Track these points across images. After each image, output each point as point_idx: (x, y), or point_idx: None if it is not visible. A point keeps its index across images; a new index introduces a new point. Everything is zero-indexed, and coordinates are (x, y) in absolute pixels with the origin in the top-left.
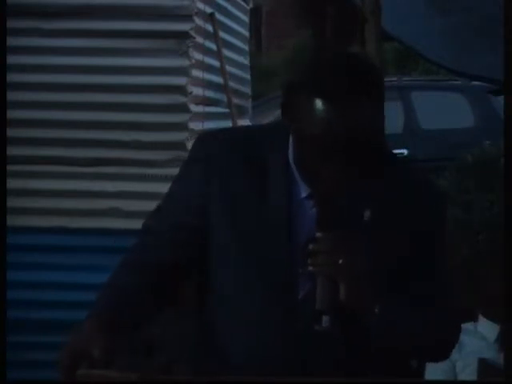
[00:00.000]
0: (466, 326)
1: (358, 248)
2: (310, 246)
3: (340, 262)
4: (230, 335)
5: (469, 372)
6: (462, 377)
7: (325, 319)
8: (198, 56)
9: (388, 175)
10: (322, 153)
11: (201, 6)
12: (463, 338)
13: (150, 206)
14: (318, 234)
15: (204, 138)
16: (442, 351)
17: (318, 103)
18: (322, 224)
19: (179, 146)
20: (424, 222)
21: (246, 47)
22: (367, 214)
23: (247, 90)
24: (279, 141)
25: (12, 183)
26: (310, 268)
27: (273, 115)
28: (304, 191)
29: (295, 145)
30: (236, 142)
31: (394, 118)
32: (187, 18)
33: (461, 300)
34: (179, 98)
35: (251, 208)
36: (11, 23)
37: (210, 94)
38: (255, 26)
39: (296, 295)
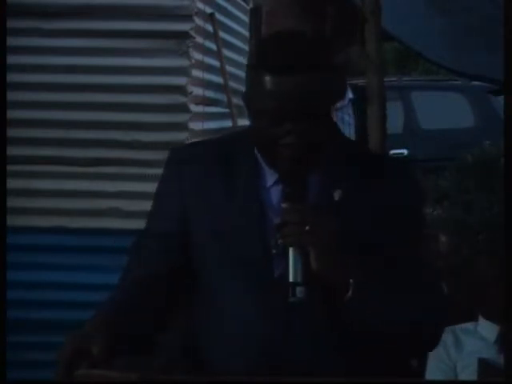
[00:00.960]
0: (466, 326)
1: (324, 216)
2: (278, 220)
3: (307, 228)
4: (211, 324)
5: (468, 373)
6: (462, 377)
7: (299, 290)
8: (197, 56)
9: (354, 156)
10: (276, 127)
11: (201, 5)
12: (463, 337)
13: (150, 206)
14: (284, 205)
15: (174, 153)
16: (419, 330)
17: (265, 78)
18: (287, 196)
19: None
20: (396, 198)
21: (245, 47)
22: (338, 193)
23: None
24: (246, 140)
25: (12, 183)
26: (279, 241)
27: None
28: (272, 178)
29: (254, 128)
30: (206, 151)
31: (394, 118)
32: (187, 18)
33: (440, 281)
34: (179, 98)
35: (225, 206)
36: (11, 23)
37: (209, 94)
38: (255, 26)
39: (272, 275)
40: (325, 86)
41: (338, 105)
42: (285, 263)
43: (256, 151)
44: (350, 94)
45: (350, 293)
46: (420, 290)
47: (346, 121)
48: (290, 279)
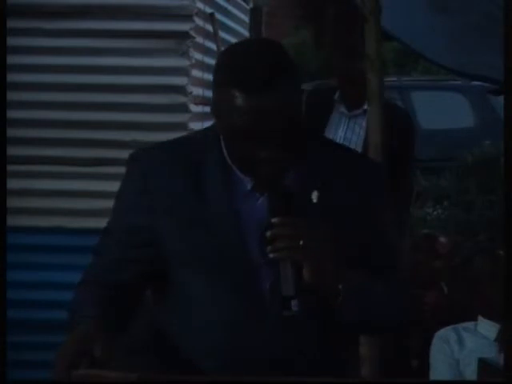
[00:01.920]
0: (467, 325)
1: (315, 228)
2: (268, 233)
3: (301, 243)
4: (198, 338)
5: (470, 371)
6: (464, 374)
7: (293, 303)
8: (198, 56)
9: (323, 154)
10: (249, 141)
11: (201, 5)
12: (465, 336)
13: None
14: (274, 220)
15: (137, 155)
16: (396, 320)
17: (234, 94)
18: (274, 210)
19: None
20: (367, 193)
21: None
22: (315, 195)
23: None
24: (211, 143)
25: (12, 183)
26: (271, 255)
27: None
28: (248, 185)
29: (226, 141)
30: (170, 153)
31: None
32: (187, 18)
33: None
34: (179, 98)
35: (196, 213)
36: (11, 23)
37: (209, 94)
38: (255, 25)
39: (262, 287)
40: (292, 94)
41: (352, 113)
42: (274, 274)
43: (227, 159)
44: (365, 105)
45: (340, 298)
46: (394, 278)
47: (356, 131)
48: (283, 293)
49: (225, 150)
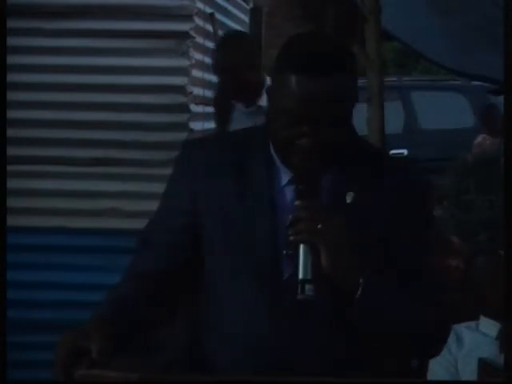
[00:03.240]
0: (468, 324)
1: (336, 215)
2: (290, 217)
3: (319, 226)
4: (218, 325)
5: (470, 371)
6: (463, 374)
7: (308, 287)
8: (198, 56)
9: (367, 158)
10: (293, 127)
11: (201, 5)
12: (464, 335)
13: (150, 205)
14: (297, 202)
15: (186, 149)
16: (424, 330)
17: (289, 78)
18: (299, 193)
19: (179, 146)
20: (406, 199)
21: None
22: (350, 195)
23: None
24: (262, 138)
25: (12, 183)
26: (291, 238)
27: None
28: (285, 177)
29: (271, 126)
30: (219, 145)
31: (394, 118)
32: (187, 17)
33: (446, 288)
34: (179, 98)
35: (237, 205)
36: (11, 23)
37: (209, 94)
38: (255, 25)
39: (281, 277)
40: (347, 89)
41: (248, 110)
42: (295, 263)
43: (271, 149)
44: (260, 102)
45: (359, 292)
46: (426, 293)
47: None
48: (300, 276)
49: (271, 148)
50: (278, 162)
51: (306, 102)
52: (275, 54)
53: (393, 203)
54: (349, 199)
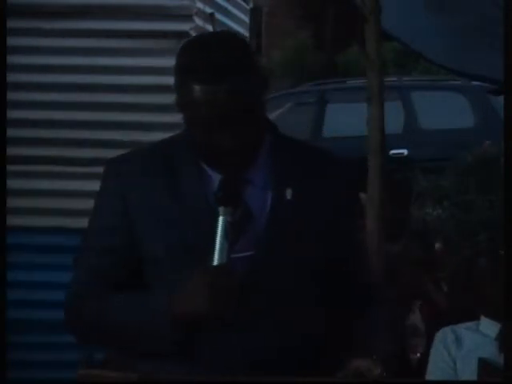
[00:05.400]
0: (468, 325)
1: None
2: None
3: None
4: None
5: (469, 371)
6: (462, 375)
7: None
8: None
9: (290, 152)
10: (211, 133)
11: (201, 5)
12: (464, 335)
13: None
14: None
15: (113, 162)
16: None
17: (191, 89)
18: (219, 199)
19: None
20: (338, 191)
21: None
22: (289, 192)
23: None
24: (185, 146)
25: (12, 183)
26: None
27: (271, 114)
28: (216, 182)
29: (191, 135)
30: (144, 156)
31: (394, 118)
32: (187, 17)
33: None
34: None
35: (175, 218)
36: (11, 23)
37: None
38: (255, 25)
39: None
40: (250, 86)
41: None
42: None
43: (197, 156)
44: None
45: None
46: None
47: None
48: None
49: (196, 152)
50: (206, 167)
51: (212, 108)
52: (273, 55)
53: (329, 194)
54: (288, 196)
